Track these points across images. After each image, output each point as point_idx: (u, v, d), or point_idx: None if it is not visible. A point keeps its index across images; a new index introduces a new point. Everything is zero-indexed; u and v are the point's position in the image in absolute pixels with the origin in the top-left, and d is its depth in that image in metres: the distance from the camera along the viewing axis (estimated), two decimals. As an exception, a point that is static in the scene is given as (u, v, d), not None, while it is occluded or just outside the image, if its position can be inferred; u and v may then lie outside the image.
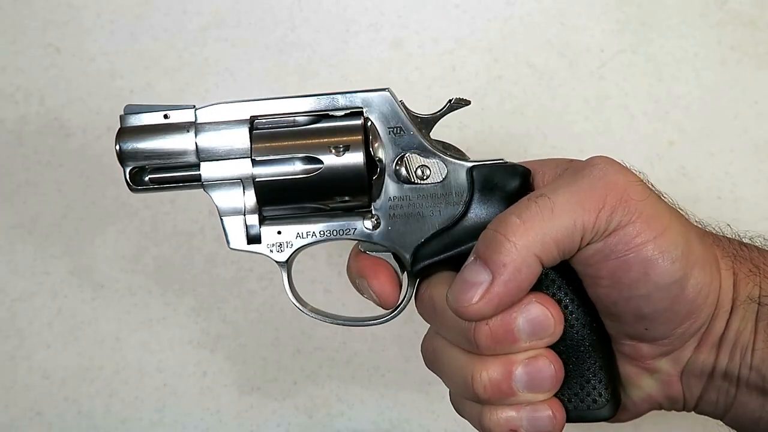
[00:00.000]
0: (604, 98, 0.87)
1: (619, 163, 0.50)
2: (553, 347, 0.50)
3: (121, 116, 0.55)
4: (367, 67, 0.87)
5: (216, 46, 0.88)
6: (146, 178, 0.54)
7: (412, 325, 0.82)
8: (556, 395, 0.51)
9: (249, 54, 0.88)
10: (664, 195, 0.51)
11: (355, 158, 0.51)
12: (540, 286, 0.50)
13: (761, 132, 0.86)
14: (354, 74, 0.87)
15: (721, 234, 0.54)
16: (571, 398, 0.52)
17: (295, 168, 0.51)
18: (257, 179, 0.52)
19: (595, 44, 0.88)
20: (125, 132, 0.54)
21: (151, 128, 0.54)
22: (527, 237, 0.47)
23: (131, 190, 0.55)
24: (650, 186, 0.50)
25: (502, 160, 0.53)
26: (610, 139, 0.85)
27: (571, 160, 0.53)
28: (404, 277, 0.55)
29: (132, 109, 0.55)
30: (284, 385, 0.82)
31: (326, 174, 0.51)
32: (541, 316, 0.49)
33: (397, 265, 0.55)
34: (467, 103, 0.55)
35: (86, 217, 0.84)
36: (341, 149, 0.51)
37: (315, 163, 0.51)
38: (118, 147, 0.53)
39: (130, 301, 0.83)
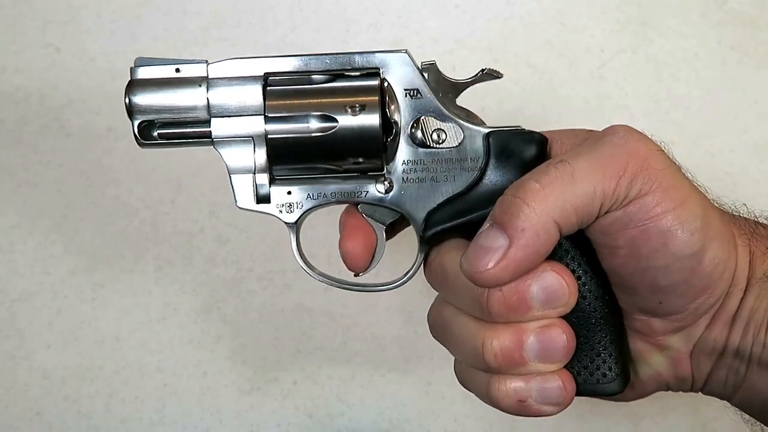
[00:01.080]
0: (604, 98, 0.87)
1: (640, 132, 0.49)
2: (565, 318, 0.50)
3: (131, 68, 0.54)
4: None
5: (216, 46, 0.88)
6: (155, 133, 0.53)
7: (412, 326, 0.82)
8: (565, 367, 0.50)
9: (249, 54, 0.88)
10: (685, 170, 0.51)
11: (370, 119, 0.50)
12: (554, 255, 0.49)
13: (761, 132, 0.86)
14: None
15: (738, 213, 0.54)
16: (581, 371, 0.51)
17: (309, 126, 0.50)
18: (270, 136, 0.51)
19: (595, 44, 0.88)
20: (135, 84, 0.53)
21: (162, 81, 0.53)
22: (547, 202, 0.46)
23: (139, 144, 0.53)
24: (671, 157, 0.49)
25: (519, 127, 0.52)
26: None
27: (590, 131, 0.53)
28: (414, 244, 0.54)
29: (143, 62, 0.54)
30: (284, 385, 0.82)
31: (341, 133, 0.50)
32: (556, 284, 0.48)
33: (384, 238, 0.55)
34: (499, 75, 0.55)
35: (86, 217, 0.84)
36: (357, 109, 0.50)
37: (330, 122, 0.50)
38: (127, 99, 0.52)
39: (130, 301, 0.83)
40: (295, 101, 0.51)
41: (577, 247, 0.50)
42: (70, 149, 0.84)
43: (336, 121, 0.50)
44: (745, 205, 0.56)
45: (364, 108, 0.50)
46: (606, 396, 0.52)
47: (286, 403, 0.82)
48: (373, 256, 0.55)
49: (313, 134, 0.50)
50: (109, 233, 0.83)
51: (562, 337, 0.49)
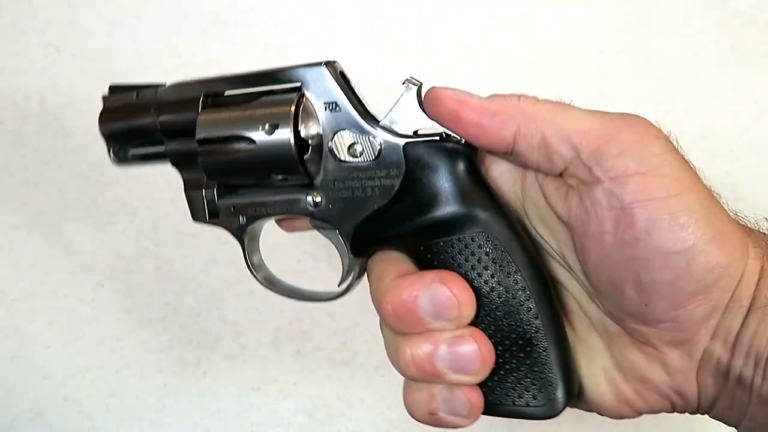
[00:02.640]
0: (604, 98, 0.87)
1: (649, 120, 0.47)
2: (494, 332, 0.49)
3: (103, 96, 0.58)
4: (368, 67, 0.87)
5: (216, 46, 0.88)
6: (129, 154, 0.58)
7: (412, 325, 0.82)
8: (489, 385, 0.49)
9: (249, 54, 0.88)
10: (702, 175, 0.48)
11: (283, 135, 0.50)
12: (474, 254, 0.49)
13: (761, 132, 0.86)
14: (354, 74, 0.87)
15: (758, 228, 0.50)
16: (509, 392, 0.49)
17: (232, 147, 0.51)
18: (201, 157, 0.52)
19: (595, 44, 0.88)
20: (103, 112, 0.57)
21: (122, 108, 0.57)
22: (528, 110, 0.46)
23: (114, 163, 0.58)
24: (678, 149, 0.47)
25: (443, 134, 0.50)
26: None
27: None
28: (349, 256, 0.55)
29: (114, 90, 0.58)
30: (284, 385, 0.82)
31: (258, 152, 0.51)
32: (443, 297, 0.47)
33: (343, 244, 0.54)
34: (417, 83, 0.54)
35: (86, 217, 0.84)
36: (270, 127, 0.51)
37: (248, 143, 0.51)
38: (99, 126, 0.57)
39: (130, 301, 0.83)
40: (220, 123, 0.52)
41: (511, 252, 0.49)
42: (70, 149, 0.85)
43: (253, 141, 0.51)
44: (766, 219, 0.52)
45: (276, 126, 0.50)
46: (535, 419, 0.50)
47: (286, 403, 0.82)
48: (342, 264, 0.55)
49: (235, 155, 0.51)
50: (109, 233, 0.83)
51: (473, 348, 0.47)
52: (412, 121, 0.51)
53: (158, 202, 0.84)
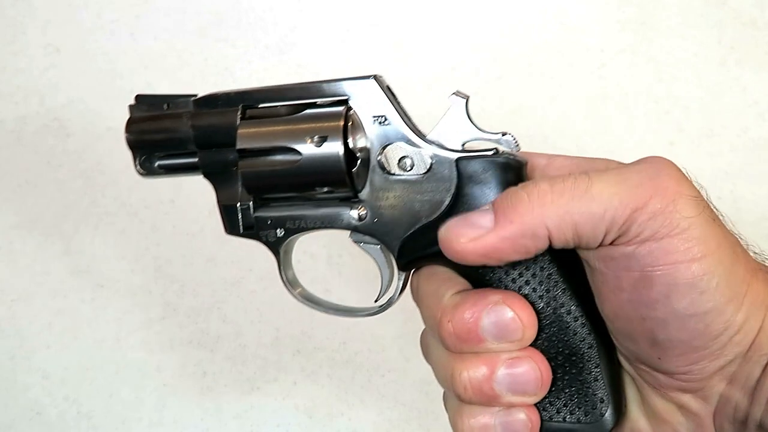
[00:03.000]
0: (604, 98, 0.87)
1: (679, 170, 0.45)
2: (546, 350, 0.48)
3: (130, 106, 0.56)
4: (368, 67, 0.87)
5: (216, 46, 0.88)
6: (155, 165, 0.56)
7: (412, 326, 0.82)
8: (544, 405, 0.49)
9: (249, 54, 0.88)
10: (723, 216, 0.46)
11: (332, 148, 0.50)
12: (541, 277, 0.48)
13: (761, 132, 0.86)
14: (355, 74, 0.87)
15: None
16: (560, 409, 0.49)
17: (276, 159, 0.51)
18: (242, 169, 0.52)
19: (595, 44, 0.88)
20: (131, 122, 0.56)
21: (153, 118, 0.55)
22: (548, 207, 0.43)
23: (141, 175, 0.57)
24: (708, 204, 0.45)
25: (494, 150, 0.50)
26: (610, 139, 0.84)
27: (619, 163, 0.49)
28: (395, 270, 0.54)
29: (141, 99, 0.57)
30: (284, 385, 0.82)
31: (305, 165, 0.50)
32: (507, 319, 0.46)
33: (384, 259, 0.54)
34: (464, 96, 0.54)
35: (86, 217, 0.84)
36: (319, 139, 0.50)
37: (294, 154, 0.50)
38: (126, 136, 0.55)
39: (130, 301, 0.83)
40: (263, 134, 0.51)
41: (570, 279, 0.48)
42: (70, 149, 0.85)
43: (300, 153, 0.50)
44: None
45: (325, 138, 0.50)
46: None
47: (286, 403, 0.82)
48: (382, 279, 0.55)
49: (280, 167, 0.51)
50: (109, 233, 0.83)
51: (533, 369, 0.46)
52: (459, 134, 0.51)
53: (158, 202, 0.84)
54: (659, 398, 0.48)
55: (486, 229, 0.45)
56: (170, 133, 0.54)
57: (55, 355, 0.82)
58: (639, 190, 0.43)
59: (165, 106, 0.56)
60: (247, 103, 0.53)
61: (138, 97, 0.57)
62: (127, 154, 0.78)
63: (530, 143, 0.82)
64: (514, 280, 0.49)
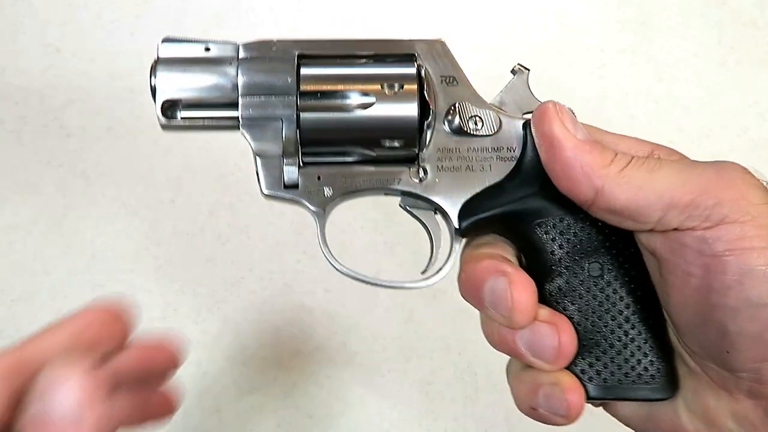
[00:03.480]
0: (604, 98, 0.87)
1: (745, 168, 0.46)
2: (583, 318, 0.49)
3: (157, 45, 0.50)
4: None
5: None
6: (179, 116, 0.50)
7: (412, 326, 0.82)
8: (585, 368, 0.49)
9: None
10: None
11: (408, 97, 0.48)
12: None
13: (761, 132, 0.86)
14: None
15: None
16: (614, 372, 0.49)
17: (345, 102, 0.48)
18: (303, 114, 0.48)
19: (595, 44, 0.88)
20: (163, 62, 0.49)
21: (190, 60, 0.49)
22: (613, 173, 0.44)
23: (162, 127, 0.50)
24: None
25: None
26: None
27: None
28: (447, 237, 0.52)
29: (170, 39, 0.50)
30: (284, 385, 0.82)
31: (377, 113, 0.48)
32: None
33: (438, 225, 0.53)
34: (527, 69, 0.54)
35: (86, 217, 0.84)
36: (395, 87, 0.48)
37: (367, 98, 0.48)
38: (154, 77, 0.49)
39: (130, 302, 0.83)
40: (331, 78, 0.49)
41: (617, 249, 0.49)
42: (70, 149, 0.84)
43: (373, 99, 0.48)
44: None
45: (402, 87, 0.48)
46: (651, 400, 0.49)
47: (286, 403, 0.82)
48: (432, 248, 0.53)
49: (348, 113, 0.48)
50: (109, 233, 0.83)
51: (553, 337, 0.47)
52: (519, 104, 0.52)
53: (158, 202, 0.84)
54: (716, 400, 0.47)
55: (574, 138, 0.46)
56: (211, 78, 0.49)
57: (55, 355, 0.82)
58: (702, 178, 0.43)
59: (204, 49, 0.50)
60: (303, 50, 0.50)
61: (166, 38, 0.50)
62: (128, 153, 0.78)
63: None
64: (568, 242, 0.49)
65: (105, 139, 0.85)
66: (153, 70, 0.49)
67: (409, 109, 0.48)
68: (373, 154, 0.50)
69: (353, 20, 0.89)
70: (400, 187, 0.50)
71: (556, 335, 0.47)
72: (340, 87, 0.48)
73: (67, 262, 0.83)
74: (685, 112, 0.87)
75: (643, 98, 0.87)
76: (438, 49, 0.51)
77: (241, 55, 0.49)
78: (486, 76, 0.87)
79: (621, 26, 0.89)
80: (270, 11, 0.90)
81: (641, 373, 0.48)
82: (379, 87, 0.48)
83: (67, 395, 0.37)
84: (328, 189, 0.50)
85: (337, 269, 0.51)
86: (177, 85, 0.49)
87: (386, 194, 0.52)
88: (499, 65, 0.85)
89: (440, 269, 0.52)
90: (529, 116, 0.50)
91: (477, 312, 0.50)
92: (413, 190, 0.50)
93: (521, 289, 0.47)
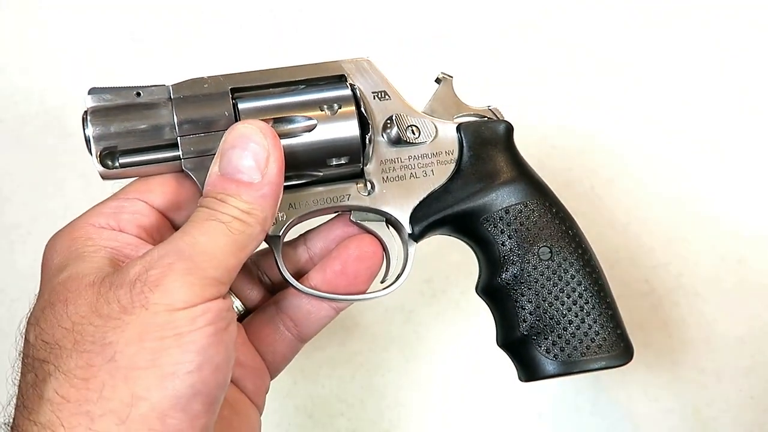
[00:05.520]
0: (603, 98, 0.87)
1: None
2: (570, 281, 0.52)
3: (84, 98, 0.50)
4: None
5: (215, 46, 0.88)
6: (117, 163, 0.50)
7: (412, 326, 0.82)
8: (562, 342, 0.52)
9: (249, 54, 0.88)
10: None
11: (347, 116, 0.50)
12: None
13: (760, 132, 0.86)
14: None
15: None
16: (569, 340, 0.52)
17: (289, 128, 0.50)
18: None
19: (595, 44, 0.89)
20: (94, 112, 0.49)
21: (123, 107, 0.49)
22: None
23: (103, 177, 0.51)
24: None
25: (487, 110, 0.55)
26: (610, 139, 0.85)
27: None
28: (397, 245, 0.55)
29: (97, 92, 0.50)
30: (284, 385, 0.82)
31: (321, 135, 0.50)
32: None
33: (390, 233, 0.55)
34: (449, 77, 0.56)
35: (86, 217, 0.84)
36: (334, 108, 0.50)
37: (309, 123, 0.50)
38: (86, 128, 0.48)
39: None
40: (270, 109, 0.50)
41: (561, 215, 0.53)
42: (70, 149, 0.84)
43: (315, 122, 0.50)
44: None
45: (340, 107, 0.50)
46: (610, 368, 0.52)
47: (286, 403, 0.82)
48: (388, 259, 0.55)
49: (293, 138, 0.50)
50: (109, 233, 0.83)
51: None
52: (449, 109, 0.55)
53: (158, 202, 0.84)
54: None
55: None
56: (148, 121, 0.49)
57: (55, 355, 0.82)
58: None
59: (135, 94, 0.49)
60: (235, 85, 0.51)
61: (93, 90, 0.50)
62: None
63: (530, 143, 0.82)
64: (528, 229, 0.53)
65: (105, 139, 0.85)
66: (84, 122, 0.49)
67: (350, 127, 0.51)
68: (320, 173, 0.52)
69: (353, 20, 0.89)
70: (350, 203, 0.53)
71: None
72: (281, 115, 0.50)
73: (67, 262, 0.83)
74: (685, 110, 0.87)
75: (642, 98, 0.87)
76: (365, 66, 0.53)
77: (174, 95, 0.50)
78: (486, 77, 0.87)
79: (620, 26, 0.89)
80: (270, 12, 0.90)
81: (600, 344, 0.52)
82: (318, 110, 0.50)
83: (258, 135, 0.45)
84: (281, 214, 0.52)
85: (299, 290, 0.53)
86: (112, 133, 0.49)
87: (337, 212, 0.55)
88: (499, 65, 0.86)
89: (399, 276, 0.54)
90: (461, 119, 0.54)
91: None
92: (363, 204, 0.53)
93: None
